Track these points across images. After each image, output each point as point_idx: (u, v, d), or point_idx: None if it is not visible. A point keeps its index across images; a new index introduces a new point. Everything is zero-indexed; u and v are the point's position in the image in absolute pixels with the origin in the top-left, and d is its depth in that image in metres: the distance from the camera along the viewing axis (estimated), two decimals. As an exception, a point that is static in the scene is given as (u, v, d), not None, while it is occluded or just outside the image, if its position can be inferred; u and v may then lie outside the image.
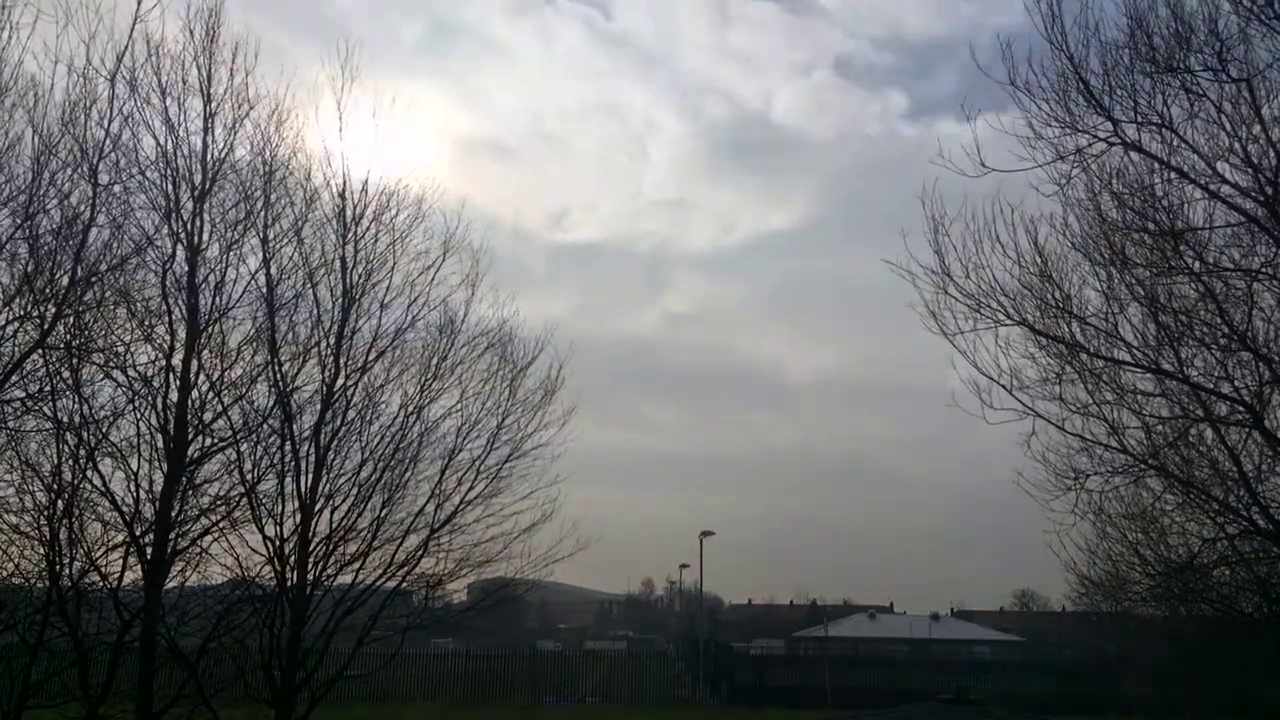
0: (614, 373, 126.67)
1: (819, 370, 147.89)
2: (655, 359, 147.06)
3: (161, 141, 10.73)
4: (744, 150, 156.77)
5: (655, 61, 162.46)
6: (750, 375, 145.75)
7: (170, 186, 10.78)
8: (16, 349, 9.52)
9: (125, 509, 10.64)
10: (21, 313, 9.53)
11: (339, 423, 11.82)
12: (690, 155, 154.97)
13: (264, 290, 11.30)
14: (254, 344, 11.30)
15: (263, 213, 11.29)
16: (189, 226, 10.84)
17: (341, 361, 11.80)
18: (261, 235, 11.32)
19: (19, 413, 10.20)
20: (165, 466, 10.73)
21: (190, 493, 11.02)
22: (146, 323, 10.77)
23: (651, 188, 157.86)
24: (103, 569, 10.74)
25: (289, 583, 11.56)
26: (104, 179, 9.89)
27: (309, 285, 11.63)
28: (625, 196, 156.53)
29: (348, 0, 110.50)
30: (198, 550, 11.15)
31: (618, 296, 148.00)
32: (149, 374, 10.79)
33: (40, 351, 9.77)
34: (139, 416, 10.74)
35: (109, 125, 9.81)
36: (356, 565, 12.10)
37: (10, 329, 9.48)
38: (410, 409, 12.14)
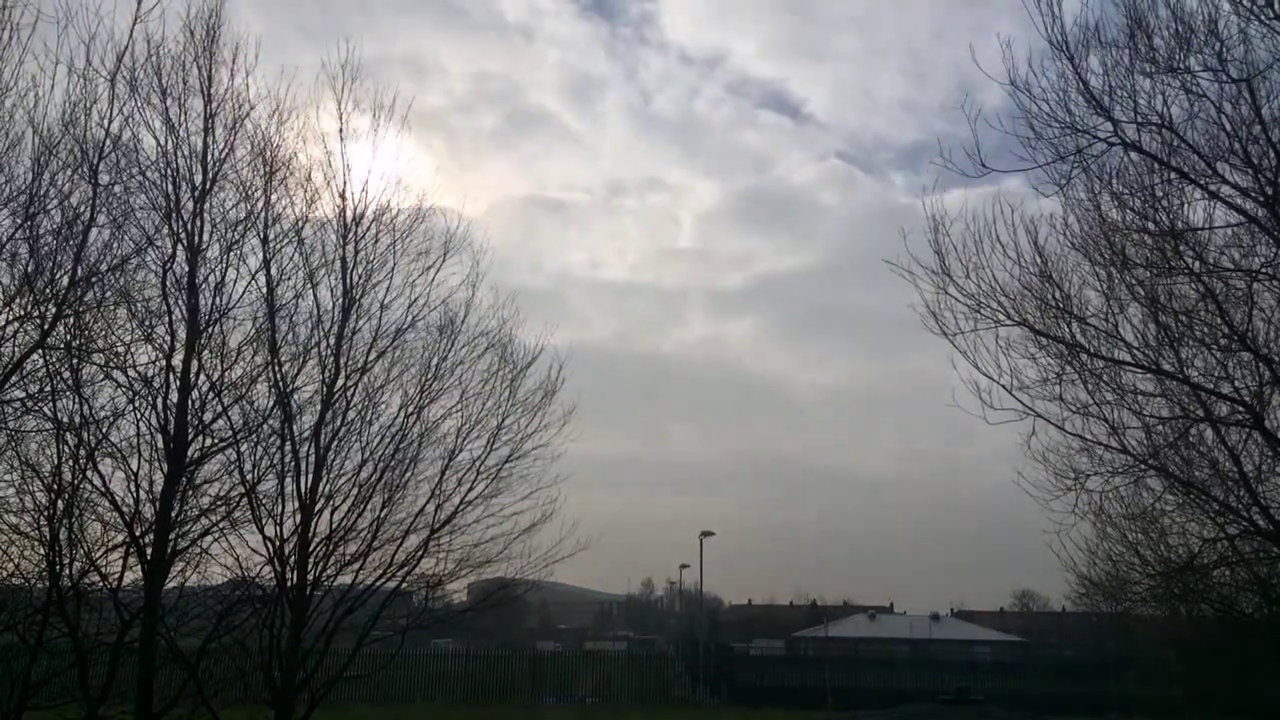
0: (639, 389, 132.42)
1: (823, 385, 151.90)
2: (674, 376, 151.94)
3: (162, 142, 10.74)
4: (761, 207, 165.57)
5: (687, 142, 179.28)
6: (757, 388, 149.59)
7: (171, 187, 10.78)
8: (17, 349, 9.52)
9: (125, 509, 10.64)
10: (22, 313, 9.52)
11: (339, 423, 11.81)
12: (715, 211, 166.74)
13: (264, 291, 11.31)
14: (254, 344, 11.30)
15: (263, 213, 11.30)
16: (189, 227, 10.85)
17: (342, 362, 11.80)
18: (262, 236, 11.33)
19: (19, 413, 10.20)
20: (165, 467, 10.73)
21: (190, 493, 11.02)
22: (147, 323, 10.78)
23: (680, 238, 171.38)
24: (103, 569, 10.75)
25: (289, 583, 11.55)
26: (104, 179, 9.89)
27: (309, 286, 11.64)
28: (657, 244, 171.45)
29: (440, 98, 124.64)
30: (198, 550, 11.15)
31: (646, 325, 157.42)
32: (149, 374, 10.80)
33: (40, 352, 9.77)
34: (139, 417, 10.75)
35: (109, 125, 9.82)
36: (356, 565, 12.10)
37: (10, 329, 9.47)
38: (410, 409, 12.14)
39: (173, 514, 10.81)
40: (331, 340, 11.74)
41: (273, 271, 11.36)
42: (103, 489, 10.61)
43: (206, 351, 10.96)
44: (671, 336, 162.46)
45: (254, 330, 11.30)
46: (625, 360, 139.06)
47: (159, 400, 10.78)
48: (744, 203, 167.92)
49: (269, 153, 11.27)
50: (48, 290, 9.60)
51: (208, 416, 10.97)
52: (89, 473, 10.55)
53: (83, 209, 9.71)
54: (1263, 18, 8.55)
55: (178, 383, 10.79)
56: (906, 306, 10.21)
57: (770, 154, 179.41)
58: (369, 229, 11.89)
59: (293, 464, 11.53)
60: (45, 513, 10.47)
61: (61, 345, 10.09)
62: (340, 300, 11.78)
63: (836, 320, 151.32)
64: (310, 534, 11.63)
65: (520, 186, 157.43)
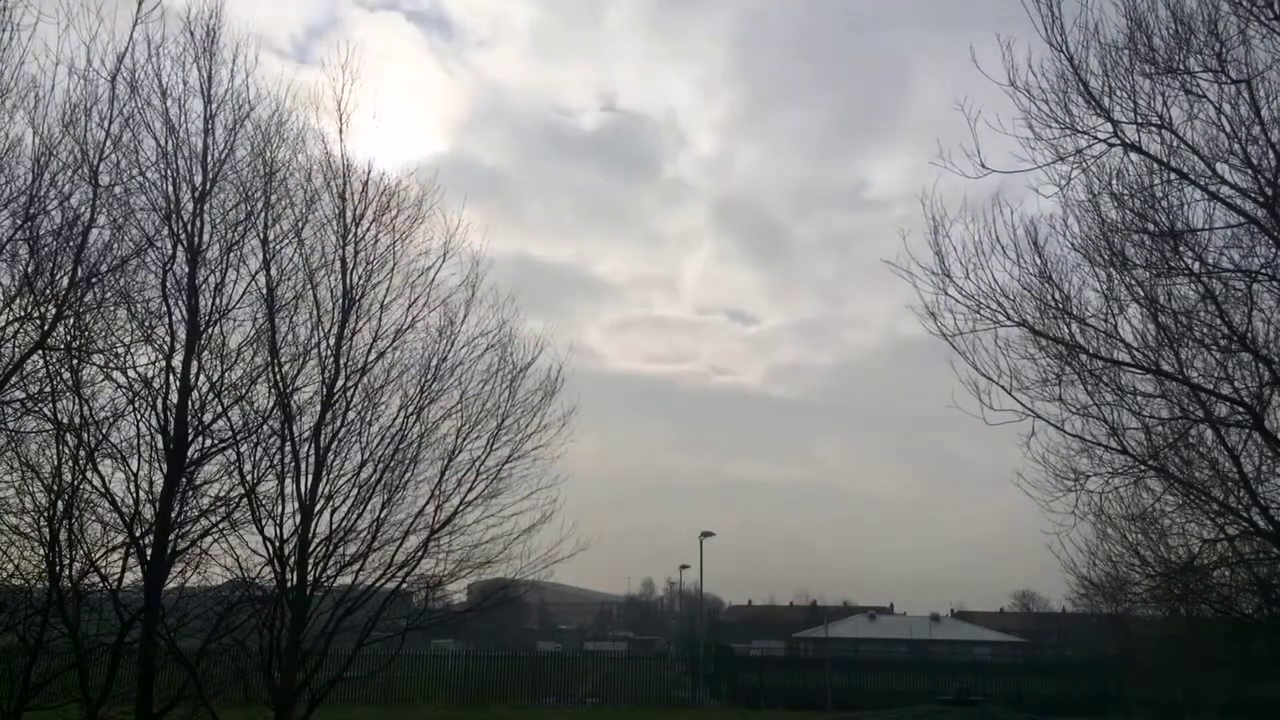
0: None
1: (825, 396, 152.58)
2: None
3: (162, 142, 10.74)
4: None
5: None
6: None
7: (171, 187, 10.79)
8: (17, 350, 9.51)
9: (125, 510, 10.64)
10: (22, 314, 9.52)
11: (339, 424, 11.81)
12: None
13: (264, 291, 11.31)
14: (254, 345, 11.31)
15: (263, 214, 11.30)
16: (189, 228, 10.85)
17: (341, 363, 11.80)
18: (262, 236, 11.33)
19: (19, 414, 10.20)
20: (165, 468, 10.73)
21: (190, 494, 11.03)
22: (147, 324, 10.78)
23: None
24: (103, 570, 10.76)
25: (289, 584, 11.55)
26: (104, 180, 9.89)
27: (309, 286, 11.65)
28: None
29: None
30: (198, 551, 11.16)
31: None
32: (149, 375, 10.81)
33: (40, 352, 9.77)
34: (139, 418, 10.75)
35: (109, 126, 9.81)
36: (356, 566, 12.09)
37: (10, 330, 9.46)
38: (410, 410, 12.14)
39: (173, 515, 10.81)
40: (331, 341, 11.74)
41: (273, 272, 11.37)
42: (103, 490, 10.61)
43: (206, 352, 10.97)
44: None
45: (254, 331, 11.31)
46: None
47: (159, 401, 10.78)
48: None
49: (269, 153, 11.29)
50: (48, 291, 9.60)
51: (207, 417, 10.98)
52: (89, 474, 10.55)
53: (83, 210, 9.71)
54: (1262, 18, 8.55)
55: (178, 383, 10.80)
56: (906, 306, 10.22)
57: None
58: (369, 229, 11.91)
59: (292, 465, 11.53)
60: (45, 513, 10.47)
61: (61, 346, 10.09)
62: (340, 301, 11.79)
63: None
64: (310, 535, 11.62)
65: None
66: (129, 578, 10.84)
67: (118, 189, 10.26)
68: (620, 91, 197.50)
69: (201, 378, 10.92)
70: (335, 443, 11.78)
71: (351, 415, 11.91)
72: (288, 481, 11.50)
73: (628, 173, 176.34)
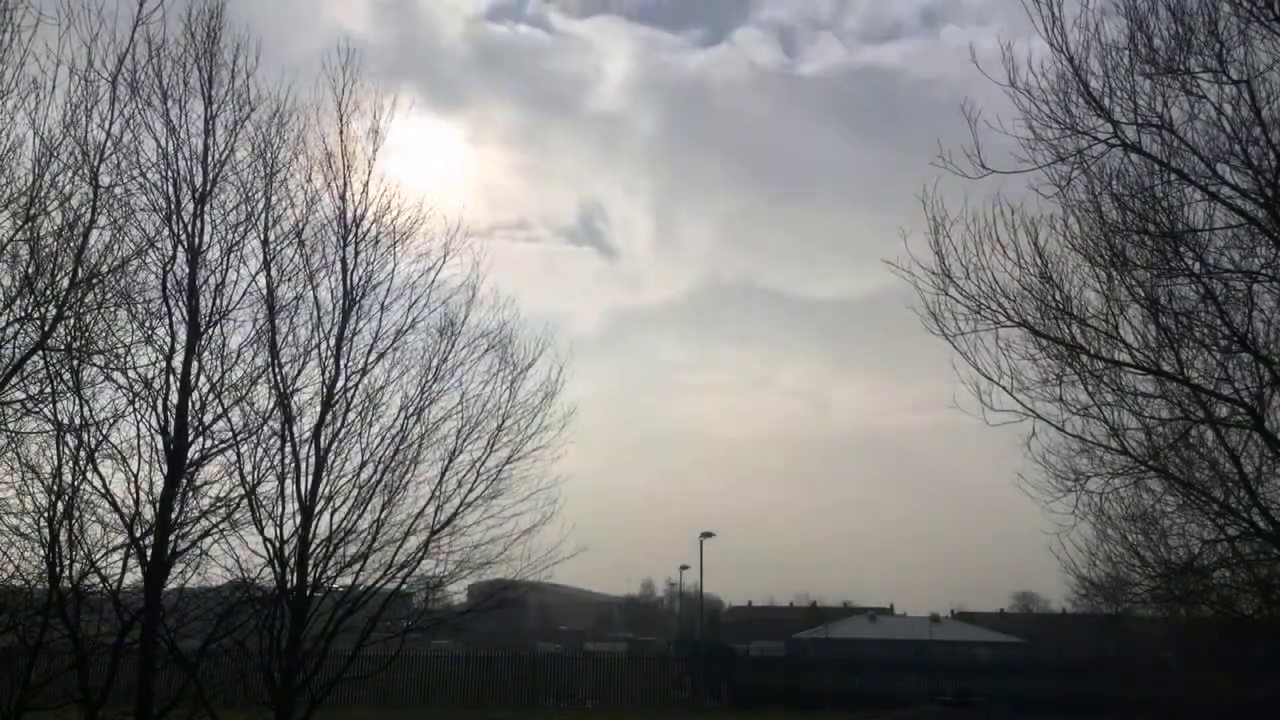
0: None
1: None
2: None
3: (163, 143, 10.77)
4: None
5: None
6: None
7: (171, 188, 10.81)
8: (17, 351, 9.50)
9: (125, 511, 10.66)
10: (22, 314, 9.50)
11: (339, 424, 11.82)
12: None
13: (264, 292, 11.33)
14: (254, 346, 11.33)
15: (263, 214, 11.33)
16: (190, 228, 10.87)
17: (342, 363, 11.81)
18: (262, 237, 11.36)
19: (19, 414, 10.18)
20: (165, 468, 10.74)
21: (190, 494, 11.03)
22: (147, 324, 10.80)
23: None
24: (103, 571, 10.77)
25: (289, 584, 11.56)
26: (105, 181, 9.88)
27: (309, 287, 11.67)
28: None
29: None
30: (198, 552, 11.17)
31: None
32: (149, 376, 10.82)
33: (41, 353, 9.76)
34: (139, 418, 10.77)
35: (110, 127, 9.80)
36: (356, 567, 12.11)
37: (11, 331, 9.46)
38: (410, 410, 12.15)
39: (173, 515, 10.82)
40: (332, 342, 11.75)
41: (273, 273, 11.39)
42: (103, 490, 10.62)
43: (207, 353, 10.99)
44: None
45: (254, 332, 11.34)
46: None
47: (159, 402, 10.80)
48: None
49: (269, 154, 11.30)
50: (48, 292, 9.58)
51: (208, 418, 10.99)
52: (89, 474, 10.57)
53: (83, 210, 9.70)
54: (1263, 19, 8.55)
55: (178, 384, 10.81)
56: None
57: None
58: (369, 230, 11.92)
59: (293, 465, 11.55)
60: (45, 514, 10.48)
61: (62, 347, 10.08)
62: (340, 302, 11.81)
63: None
64: (310, 535, 11.63)
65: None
66: (129, 578, 10.86)
67: (118, 190, 10.28)
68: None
69: (202, 378, 10.94)
70: (335, 443, 11.80)
71: (352, 416, 11.93)
72: (288, 482, 11.52)
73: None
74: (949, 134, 9.31)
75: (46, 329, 9.60)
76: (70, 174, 9.52)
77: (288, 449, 11.51)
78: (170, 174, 10.78)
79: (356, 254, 11.86)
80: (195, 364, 10.87)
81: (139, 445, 10.72)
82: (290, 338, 11.57)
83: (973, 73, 9.38)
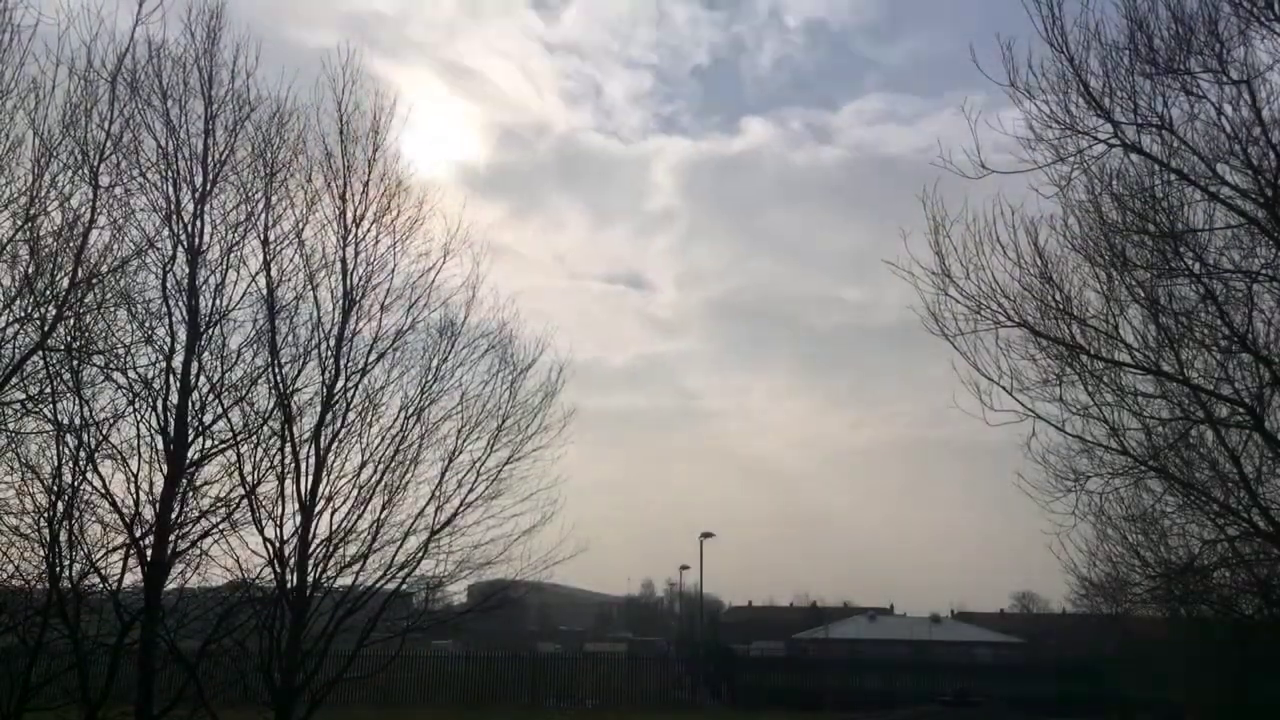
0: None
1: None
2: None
3: (162, 143, 10.77)
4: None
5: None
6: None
7: (171, 188, 10.81)
8: (17, 351, 9.51)
9: (125, 511, 10.65)
10: (22, 314, 9.51)
11: (339, 425, 11.83)
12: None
13: (264, 292, 11.33)
14: (254, 346, 11.33)
15: (263, 215, 11.32)
16: (190, 228, 10.87)
17: (342, 363, 11.81)
18: (262, 237, 11.35)
19: (19, 415, 10.19)
20: (165, 468, 10.74)
21: (190, 495, 11.03)
22: (147, 324, 10.80)
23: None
24: (103, 571, 10.75)
25: (289, 585, 11.55)
26: (105, 181, 9.91)
27: (309, 287, 11.68)
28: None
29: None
30: (198, 552, 11.16)
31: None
32: (149, 376, 10.83)
33: (41, 353, 9.76)
34: (139, 418, 10.77)
35: (110, 127, 9.81)
36: (356, 567, 12.12)
37: (11, 331, 9.46)
38: (410, 411, 12.16)
39: (173, 516, 10.81)
40: (332, 342, 11.75)
41: (273, 273, 11.39)
42: (103, 491, 10.61)
43: (206, 353, 10.98)
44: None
45: (254, 332, 11.33)
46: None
47: (159, 402, 10.79)
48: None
49: (269, 154, 11.29)
50: (48, 292, 9.59)
51: (208, 418, 10.99)
52: (89, 474, 10.55)
53: (83, 210, 9.71)
54: (1263, 19, 8.56)
55: (178, 384, 10.80)
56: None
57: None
58: (369, 230, 11.91)
59: (293, 466, 11.54)
60: (45, 514, 10.46)
61: (62, 347, 10.08)
62: (340, 302, 11.81)
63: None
64: (310, 536, 11.64)
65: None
66: (129, 579, 10.85)
67: (118, 190, 10.29)
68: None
69: (202, 378, 10.93)
70: (335, 444, 11.81)
71: (352, 416, 11.94)
72: (288, 482, 11.53)
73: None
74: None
75: (46, 329, 9.60)
76: (70, 174, 9.54)
77: (288, 449, 11.52)
78: (170, 174, 10.78)
79: (356, 254, 11.87)
80: (195, 364, 10.86)
81: (139, 445, 10.73)
82: (290, 338, 11.60)
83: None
